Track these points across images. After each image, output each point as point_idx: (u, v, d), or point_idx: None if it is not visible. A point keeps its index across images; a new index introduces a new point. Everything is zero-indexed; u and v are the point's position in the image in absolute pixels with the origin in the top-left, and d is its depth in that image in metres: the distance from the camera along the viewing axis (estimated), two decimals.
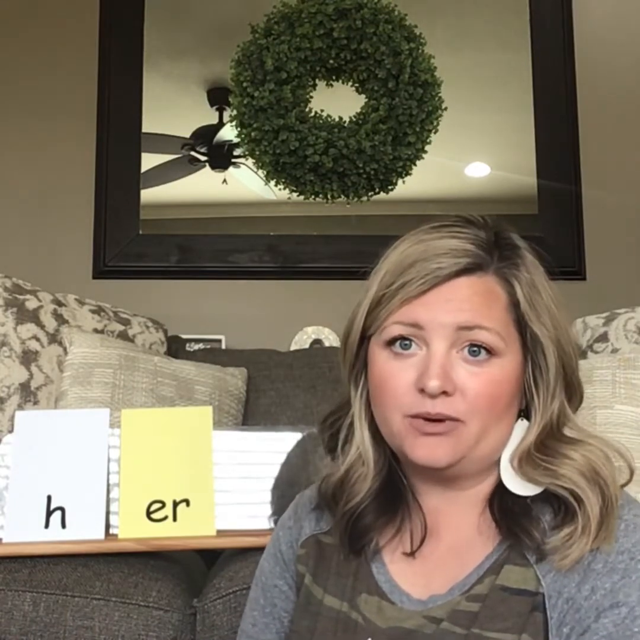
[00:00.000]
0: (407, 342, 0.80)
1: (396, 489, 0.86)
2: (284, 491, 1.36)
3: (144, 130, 2.45)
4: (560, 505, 0.78)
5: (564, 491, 0.77)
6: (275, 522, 1.33)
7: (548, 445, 0.79)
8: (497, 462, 0.82)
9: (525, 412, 0.83)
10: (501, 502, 0.81)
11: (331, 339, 2.33)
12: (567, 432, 0.81)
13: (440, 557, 0.82)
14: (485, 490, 0.83)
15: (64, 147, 2.45)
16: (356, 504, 0.84)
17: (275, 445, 1.39)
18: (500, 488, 0.81)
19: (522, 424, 0.82)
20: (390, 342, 0.80)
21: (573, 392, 0.83)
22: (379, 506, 0.85)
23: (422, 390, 0.77)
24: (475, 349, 0.78)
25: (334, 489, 0.86)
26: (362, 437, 0.85)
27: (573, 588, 0.74)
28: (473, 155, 2.49)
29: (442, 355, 0.78)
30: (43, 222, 2.42)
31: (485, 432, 0.78)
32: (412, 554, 0.83)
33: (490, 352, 0.78)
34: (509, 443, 0.82)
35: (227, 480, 1.35)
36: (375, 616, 0.80)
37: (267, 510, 1.35)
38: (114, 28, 2.49)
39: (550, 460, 0.78)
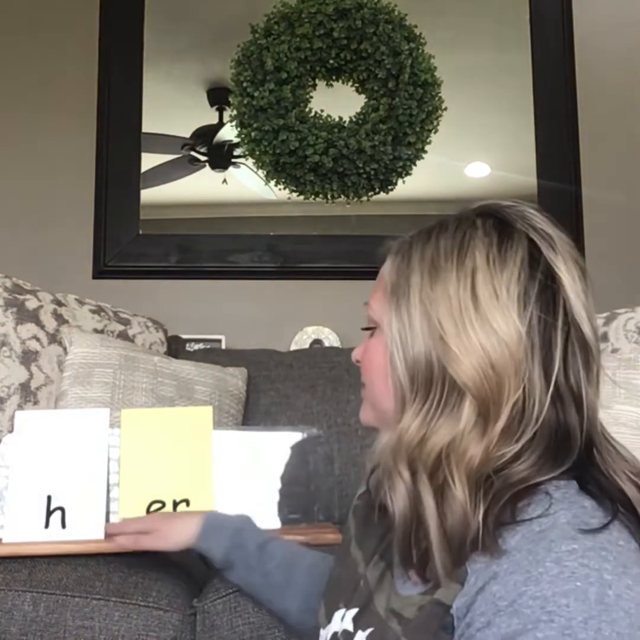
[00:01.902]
0: None
1: None
2: (284, 490, 1.37)
3: (144, 130, 2.45)
4: None
5: None
6: (282, 519, 1.33)
7: None
8: None
9: None
10: None
11: (331, 339, 2.33)
12: None
13: None
14: None
15: (64, 147, 2.45)
16: None
17: (275, 445, 1.39)
18: None
19: None
20: None
21: None
22: None
23: None
24: None
25: None
26: None
27: None
28: (473, 155, 2.49)
29: None
30: (43, 222, 2.42)
31: None
32: None
33: None
34: None
35: (227, 480, 1.35)
36: None
37: (268, 509, 1.35)
38: (114, 28, 2.49)
39: None
